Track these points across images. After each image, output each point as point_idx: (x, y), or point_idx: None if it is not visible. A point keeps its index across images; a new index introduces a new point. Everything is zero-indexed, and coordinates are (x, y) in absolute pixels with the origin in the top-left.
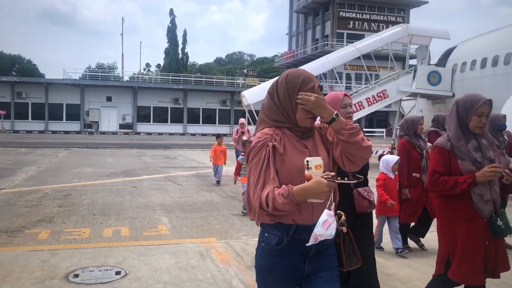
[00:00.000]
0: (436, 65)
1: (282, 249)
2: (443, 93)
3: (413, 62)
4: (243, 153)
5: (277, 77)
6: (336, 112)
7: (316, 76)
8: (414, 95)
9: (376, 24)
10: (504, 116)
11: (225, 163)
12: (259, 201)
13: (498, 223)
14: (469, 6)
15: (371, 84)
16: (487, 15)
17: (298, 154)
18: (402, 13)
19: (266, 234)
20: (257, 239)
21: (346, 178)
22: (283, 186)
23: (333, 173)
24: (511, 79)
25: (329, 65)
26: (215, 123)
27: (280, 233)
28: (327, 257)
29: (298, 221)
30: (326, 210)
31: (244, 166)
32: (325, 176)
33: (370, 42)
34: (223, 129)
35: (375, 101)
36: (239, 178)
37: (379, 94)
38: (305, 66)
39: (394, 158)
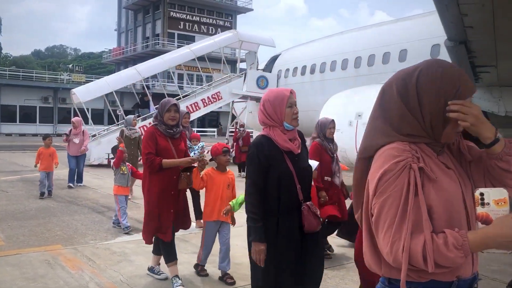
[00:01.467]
0: (264, 70)
1: None
2: None
3: (243, 66)
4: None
5: (405, 69)
6: (496, 130)
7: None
8: (245, 97)
9: (206, 26)
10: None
11: (56, 166)
12: (408, 255)
13: None
14: (286, 16)
15: (206, 86)
16: (301, 25)
17: (450, 179)
18: (230, 18)
19: None
20: (106, 242)
21: None
22: (448, 231)
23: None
24: (326, 86)
25: (165, 65)
26: (36, 122)
27: None
28: None
29: (462, 275)
30: None
31: (121, 172)
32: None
33: (204, 45)
34: (45, 128)
35: (210, 102)
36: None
37: (213, 96)
38: (141, 65)
39: (314, 163)
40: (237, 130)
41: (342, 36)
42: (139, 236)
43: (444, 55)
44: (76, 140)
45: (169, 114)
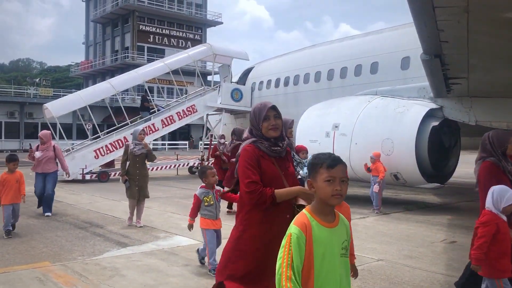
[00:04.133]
0: (237, 83)
1: None
2: (244, 108)
3: (217, 78)
4: (203, 185)
5: None
6: None
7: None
8: (219, 110)
9: (175, 39)
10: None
11: (24, 200)
12: None
13: None
14: (253, 29)
15: (181, 99)
16: (268, 38)
17: None
18: (200, 31)
19: None
20: (95, 257)
21: None
22: None
23: None
24: (300, 98)
25: (139, 79)
26: (1, 138)
27: None
28: None
29: None
30: None
31: (206, 204)
32: None
33: (179, 58)
34: (11, 144)
35: (185, 115)
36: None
37: (188, 109)
38: (115, 78)
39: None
40: (217, 143)
41: (314, 49)
42: (127, 251)
43: (413, 67)
44: (38, 154)
45: (267, 123)
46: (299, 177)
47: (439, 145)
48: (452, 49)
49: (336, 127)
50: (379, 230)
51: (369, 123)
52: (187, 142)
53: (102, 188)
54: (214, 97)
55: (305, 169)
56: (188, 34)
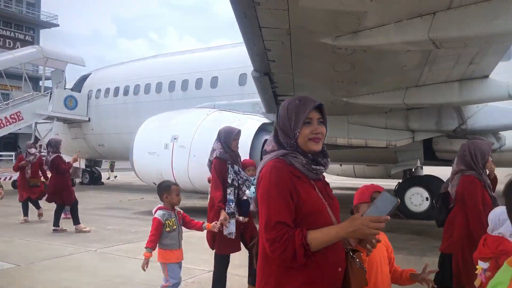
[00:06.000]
0: (72, 89)
1: None
2: (80, 117)
3: (48, 84)
4: (161, 206)
5: None
6: None
7: None
8: (51, 118)
9: (2, 39)
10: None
11: None
12: None
13: None
14: (94, 35)
15: (3, 105)
16: (110, 45)
17: None
18: (32, 32)
19: None
20: None
21: None
22: None
23: None
24: (140, 108)
25: None
26: None
27: None
28: None
29: None
30: None
31: (168, 229)
32: None
33: (2, 60)
34: None
35: (8, 123)
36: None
37: (12, 116)
38: None
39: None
40: (25, 153)
41: (157, 60)
42: None
43: (249, 84)
44: None
45: (309, 129)
46: (245, 198)
47: None
48: (279, 68)
49: (175, 139)
50: None
51: (207, 135)
52: (13, 153)
53: None
54: (45, 104)
55: (253, 188)
56: (17, 34)
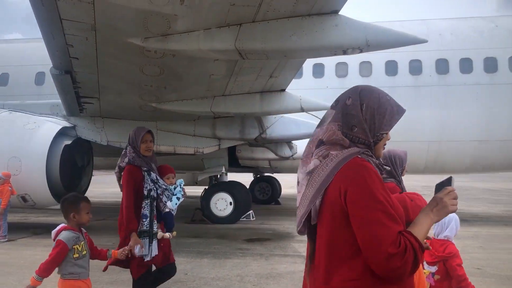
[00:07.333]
0: None
1: None
2: None
3: None
4: (66, 226)
5: None
6: None
7: None
8: None
9: None
10: None
11: None
12: None
13: None
14: None
15: None
16: None
17: None
18: None
19: None
20: None
21: None
22: None
23: None
24: None
25: None
26: None
27: None
28: None
29: None
30: None
31: (76, 256)
32: None
33: None
34: None
35: None
36: None
37: None
38: None
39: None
40: None
41: None
42: None
43: (48, 84)
44: None
45: (389, 123)
46: (167, 210)
47: (72, 164)
48: (83, 67)
49: None
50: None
51: None
52: None
53: None
54: None
55: (174, 199)
56: None
